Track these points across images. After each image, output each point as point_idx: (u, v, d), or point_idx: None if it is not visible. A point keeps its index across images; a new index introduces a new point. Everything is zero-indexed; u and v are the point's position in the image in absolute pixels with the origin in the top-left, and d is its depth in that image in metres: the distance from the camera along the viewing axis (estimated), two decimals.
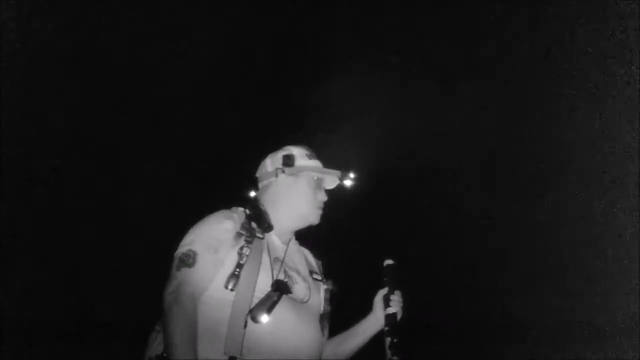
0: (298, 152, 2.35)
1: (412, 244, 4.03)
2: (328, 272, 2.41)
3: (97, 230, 3.96)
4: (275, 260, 2.16)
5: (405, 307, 2.31)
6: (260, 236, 2.15)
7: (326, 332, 2.26)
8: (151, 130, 4.33)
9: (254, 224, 2.17)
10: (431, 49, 4.28)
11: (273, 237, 2.24)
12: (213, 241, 2.06)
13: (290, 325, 2.06)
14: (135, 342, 2.29)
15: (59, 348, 3.80)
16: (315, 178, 2.31)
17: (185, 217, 2.20)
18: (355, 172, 2.40)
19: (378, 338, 2.30)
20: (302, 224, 2.31)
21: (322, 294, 2.31)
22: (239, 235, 2.10)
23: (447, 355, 3.89)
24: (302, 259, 2.34)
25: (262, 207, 2.25)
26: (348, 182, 2.43)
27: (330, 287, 2.34)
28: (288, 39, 4.50)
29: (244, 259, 2.05)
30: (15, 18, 3.50)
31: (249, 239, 2.10)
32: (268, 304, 2.00)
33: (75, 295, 3.86)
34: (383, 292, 2.34)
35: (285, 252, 2.25)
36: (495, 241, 3.91)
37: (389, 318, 2.26)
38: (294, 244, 2.35)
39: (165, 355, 1.99)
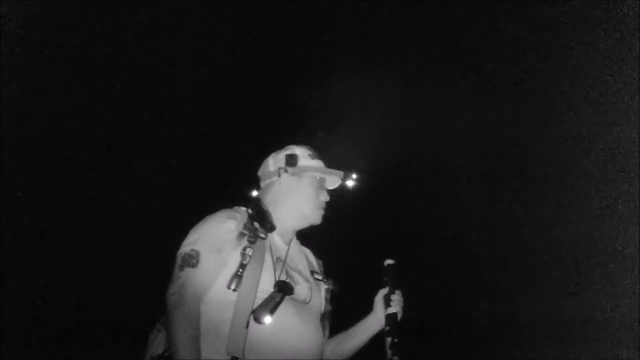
0: (301, 152, 2.35)
1: (412, 243, 4.03)
2: (329, 272, 2.42)
3: (98, 229, 3.95)
4: (278, 261, 2.17)
5: (406, 307, 2.31)
6: (263, 236, 2.15)
7: (327, 331, 2.27)
8: (152, 130, 4.33)
9: (256, 224, 2.17)
10: (431, 48, 4.28)
11: (275, 237, 2.24)
12: (216, 241, 2.06)
13: (292, 326, 2.07)
14: (135, 342, 2.29)
15: (59, 348, 3.80)
16: (318, 178, 2.32)
17: (186, 217, 2.21)
18: (357, 172, 2.40)
19: (378, 338, 2.31)
20: (304, 224, 2.31)
21: (322, 294, 2.32)
22: (241, 235, 2.10)
23: (447, 355, 3.89)
24: (303, 259, 2.35)
25: (264, 206, 2.26)
26: (350, 183, 2.43)
27: (330, 286, 2.35)
28: (288, 39, 4.50)
29: (247, 259, 2.05)
30: (15, 18, 3.50)
31: (251, 239, 2.10)
32: (271, 305, 2.00)
33: (76, 295, 3.86)
34: (383, 292, 2.34)
35: (287, 252, 2.25)
36: (496, 241, 3.91)
37: (390, 318, 2.26)
38: (295, 244, 2.36)
39: (166, 354, 2.00)
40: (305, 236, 2.40)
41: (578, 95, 3.59)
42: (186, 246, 2.07)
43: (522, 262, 3.74)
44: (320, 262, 2.45)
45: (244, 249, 2.07)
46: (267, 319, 1.98)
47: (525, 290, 3.68)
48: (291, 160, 2.31)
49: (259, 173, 2.39)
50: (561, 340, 3.43)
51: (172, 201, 4.05)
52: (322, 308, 2.28)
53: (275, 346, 2.00)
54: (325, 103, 4.23)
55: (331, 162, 2.40)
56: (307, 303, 2.18)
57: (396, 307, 2.29)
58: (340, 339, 2.35)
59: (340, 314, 2.35)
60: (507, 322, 3.71)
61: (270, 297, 2.03)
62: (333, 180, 2.37)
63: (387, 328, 2.25)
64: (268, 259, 2.13)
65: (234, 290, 2.00)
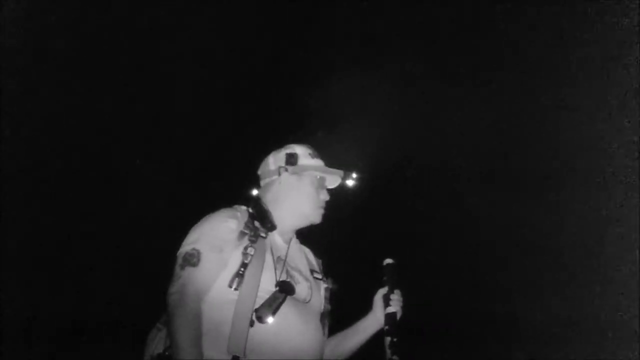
0: (301, 151, 2.35)
1: (411, 243, 4.03)
2: (328, 271, 2.41)
3: (97, 229, 3.96)
4: (278, 260, 2.17)
5: (405, 307, 2.31)
6: (264, 235, 2.15)
7: (326, 330, 2.27)
8: (152, 130, 4.33)
9: (257, 223, 2.17)
10: (432, 48, 4.28)
11: (275, 236, 2.24)
12: (217, 240, 2.06)
13: (293, 325, 2.07)
14: (134, 341, 2.29)
15: (59, 347, 3.80)
16: (318, 177, 2.32)
17: (186, 216, 2.20)
18: (356, 171, 2.40)
19: (378, 337, 2.31)
20: (304, 223, 2.31)
21: (322, 293, 2.32)
22: (242, 234, 2.10)
23: (446, 355, 3.89)
24: (303, 258, 2.35)
25: (264, 205, 2.25)
26: (350, 182, 2.43)
27: (330, 285, 2.34)
28: (288, 39, 4.50)
29: (249, 259, 2.05)
30: (15, 18, 3.50)
31: (252, 238, 2.10)
32: (275, 305, 2.01)
33: (75, 295, 3.86)
34: (383, 291, 2.34)
35: (287, 252, 2.25)
36: (496, 241, 3.90)
37: (389, 317, 2.26)
38: (295, 243, 2.36)
39: (167, 353, 2.00)
40: (305, 235, 2.40)
41: (578, 95, 3.58)
42: (187, 245, 2.07)
43: (522, 262, 3.73)
44: (320, 261, 2.45)
45: (245, 248, 2.07)
46: (270, 319, 1.98)
47: (525, 290, 3.68)
48: (291, 159, 2.31)
49: (259, 172, 2.39)
50: (561, 340, 3.42)
51: (172, 200, 4.05)
52: (322, 307, 2.28)
53: (276, 346, 2.00)
54: (325, 103, 4.23)
55: (331, 162, 2.40)
56: (307, 302, 2.18)
57: (395, 306, 2.29)
58: (340, 338, 2.35)
59: (340, 314, 2.35)
60: (507, 322, 3.71)
61: (273, 297, 2.03)
62: (333, 180, 2.37)
63: (387, 327, 2.25)
64: (269, 258, 2.13)
65: (235, 289, 2.00)
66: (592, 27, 3.43)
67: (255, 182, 2.39)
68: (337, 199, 2.42)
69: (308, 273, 2.30)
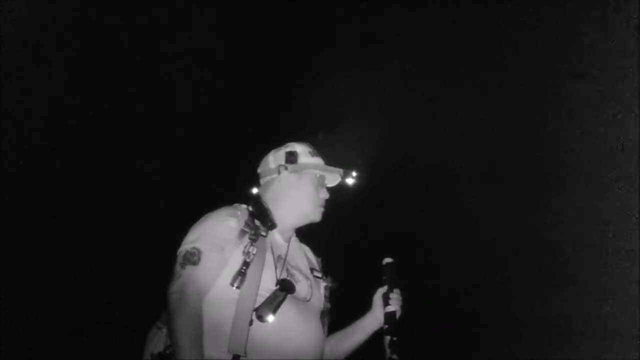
0: (301, 149, 2.35)
1: (411, 242, 4.03)
2: (328, 270, 2.42)
3: (97, 228, 3.96)
4: (278, 259, 2.17)
5: (405, 306, 2.31)
6: (264, 234, 2.15)
7: (326, 329, 2.27)
8: (152, 130, 4.34)
9: (257, 222, 2.17)
10: (432, 48, 4.28)
11: (275, 235, 2.24)
12: (218, 239, 2.06)
13: (294, 324, 2.07)
14: (134, 340, 2.29)
15: (59, 347, 3.80)
16: (318, 176, 2.32)
17: (186, 215, 2.20)
18: (357, 170, 2.40)
19: (377, 336, 2.31)
20: (304, 221, 2.31)
21: (322, 291, 2.32)
22: (242, 233, 2.10)
23: (446, 354, 3.89)
24: (302, 257, 2.35)
25: (265, 204, 2.25)
26: (350, 180, 2.43)
27: (329, 284, 2.35)
28: (288, 38, 4.51)
29: (251, 258, 2.05)
30: (15, 17, 3.50)
31: (253, 237, 2.10)
32: (275, 303, 2.01)
33: (75, 294, 3.86)
34: (382, 290, 2.34)
35: (287, 250, 2.25)
36: (495, 241, 3.90)
37: (388, 316, 2.26)
38: (295, 241, 2.36)
39: (167, 352, 2.00)
40: (305, 234, 2.40)
41: (578, 95, 3.58)
42: (187, 244, 2.07)
43: (522, 261, 3.73)
44: (319, 259, 2.45)
45: (246, 246, 2.07)
46: (271, 318, 1.98)
47: (525, 289, 3.67)
48: (291, 158, 2.31)
49: (259, 170, 2.39)
50: (561, 340, 3.42)
51: (173, 200, 4.06)
52: (322, 306, 2.29)
53: (277, 344, 2.01)
54: (325, 103, 4.24)
55: (331, 161, 2.40)
56: (307, 301, 2.19)
57: (395, 305, 2.29)
58: (339, 337, 2.36)
59: (339, 312, 2.35)
60: (507, 321, 3.71)
61: (274, 296, 2.03)
62: (333, 178, 2.37)
63: (386, 326, 2.25)
64: (269, 257, 2.13)
65: (237, 287, 1.99)
66: (592, 27, 3.44)
67: (255, 180, 2.39)
68: (337, 197, 2.42)
69: (308, 271, 2.31)
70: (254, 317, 1.98)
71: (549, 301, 3.53)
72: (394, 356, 2.17)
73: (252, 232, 2.11)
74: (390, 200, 4.34)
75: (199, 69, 4.35)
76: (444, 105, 4.12)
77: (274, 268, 2.11)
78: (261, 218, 2.19)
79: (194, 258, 2.02)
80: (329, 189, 2.36)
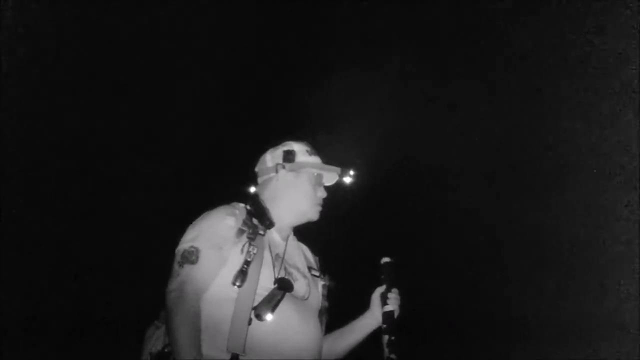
0: (299, 148, 2.35)
1: (409, 241, 4.02)
2: (326, 269, 2.41)
3: (95, 227, 3.96)
4: (276, 257, 2.16)
5: (403, 305, 2.30)
6: (262, 233, 2.15)
7: (323, 327, 2.27)
8: (153, 129, 4.34)
9: (255, 221, 2.17)
10: (432, 48, 4.28)
11: (273, 234, 2.23)
12: (216, 238, 2.06)
13: (292, 322, 2.07)
14: (133, 339, 2.29)
15: (58, 347, 3.80)
16: (316, 174, 2.31)
17: (185, 215, 2.20)
18: (354, 169, 2.40)
19: (376, 335, 2.30)
20: (301, 220, 2.31)
21: (320, 290, 2.32)
22: (240, 231, 2.10)
23: (444, 353, 3.88)
24: (300, 255, 2.35)
25: (262, 203, 2.25)
26: (348, 179, 2.42)
27: (327, 282, 2.34)
28: (289, 38, 4.51)
29: (252, 256, 2.04)
30: (15, 17, 3.51)
31: (251, 235, 2.10)
32: (273, 302, 2.00)
33: (73, 294, 3.87)
34: (380, 289, 2.34)
35: (285, 249, 2.25)
36: (494, 240, 3.90)
37: (387, 316, 2.25)
38: (293, 240, 2.36)
39: (165, 351, 1.99)
40: (302, 233, 2.40)
41: (578, 95, 3.58)
42: (185, 243, 2.07)
43: (522, 261, 3.73)
44: (317, 258, 2.45)
45: (244, 245, 2.07)
46: (269, 317, 1.98)
47: (524, 289, 3.67)
48: (289, 156, 2.31)
49: (256, 169, 2.39)
50: (561, 340, 3.42)
51: (173, 200, 4.06)
52: (320, 304, 2.28)
53: (275, 343, 2.00)
54: (325, 103, 4.24)
55: (330, 160, 2.39)
56: (305, 299, 2.18)
57: (393, 304, 2.28)
58: (337, 336, 2.35)
59: (337, 312, 2.34)
60: (504, 321, 3.71)
61: (272, 295, 2.02)
62: (331, 177, 2.37)
63: (384, 326, 2.24)
64: (267, 255, 2.13)
65: (239, 286, 1.99)
66: (592, 27, 3.44)
67: (253, 179, 2.39)
68: (335, 196, 2.42)
69: (306, 270, 2.30)
70: (252, 316, 1.97)
71: (548, 301, 3.53)
72: (392, 355, 2.16)
73: (250, 230, 2.11)
74: (389, 200, 4.34)
75: (199, 69, 4.35)
76: (444, 105, 4.12)
77: (272, 267, 2.11)
78: (259, 217, 2.18)
79: (192, 257, 2.02)
80: (327, 188, 2.36)
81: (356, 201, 3.35)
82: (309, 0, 4.47)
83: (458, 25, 4.14)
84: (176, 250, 2.08)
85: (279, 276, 2.10)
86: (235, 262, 2.04)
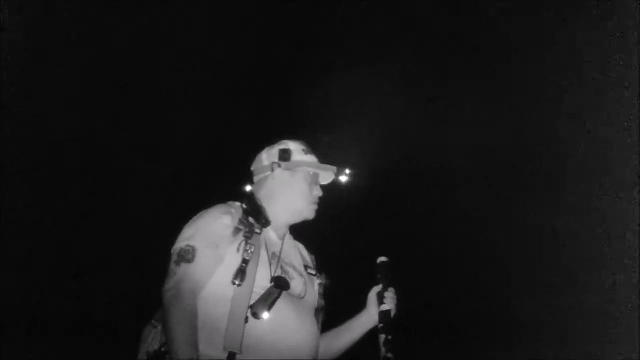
0: (295, 147, 2.35)
1: (407, 241, 4.02)
2: (322, 267, 2.41)
3: (93, 226, 3.97)
4: (273, 256, 2.17)
5: (400, 304, 2.30)
6: (258, 231, 2.15)
7: (320, 326, 2.27)
8: (153, 129, 4.35)
9: (251, 219, 2.17)
10: (432, 48, 4.28)
11: (270, 232, 2.24)
12: (213, 237, 2.06)
13: (289, 321, 2.07)
14: (130, 338, 2.29)
15: (56, 346, 3.81)
16: (312, 173, 2.32)
17: (183, 214, 2.20)
18: (351, 168, 2.40)
19: (372, 335, 2.30)
20: (297, 219, 2.31)
21: (316, 289, 2.32)
22: (237, 230, 2.10)
23: (441, 353, 3.88)
24: (297, 254, 2.35)
25: (259, 202, 2.26)
26: (344, 178, 2.42)
27: (323, 281, 2.34)
28: (289, 38, 4.51)
29: (250, 255, 2.04)
30: (16, 17, 3.51)
31: (247, 234, 2.10)
32: (270, 300, 2.00)
33: (71, 293, 3.87)
34: (377, 289, 2.34)
35: (281, 247, 2.25)
36: (493, 240, 3.90)
37: (383, 315, 2.25)
38: (289, 239, 2.36)
39: (162, 350, 1.99)
40: (299, 232, 2.40)
41: (578, 95, 3.58)
42: (182, 242, 2.07)
43: (521, 262, 3.73)
44: (313, 256, 2.45)
45: (241, 244, 2.07)
46: (266, 315, 1.98)
47: (521, 289, 3.67)
48: (285, 155, 2.31)
49: (253, 168, 2.40)
50: (561, 340, 3.42)
51: (172, 200, 4.06)
52: (317, 303, 2.28)
53: (273, 342, 2.00)
54: (325, 103, 4.24)
55: (329, 159, 2.39)
56: (302, 298, 2.19)
57: (390, 304, 2.28)
58: (334, 335, 2.35)
59: (334, 311, 2.35)
60: (504, 321, 3.70)
61: (269, 293, 2.02)
62: (326, 176, 2.37)
63: (381, 325, 2.24)
64: (263, 254, 2.13)
65: (239, 285, 1.99)
66: (592, 27, 3.43)
67: (249, 178, 2.40)
68: (332, 195, 2.42)
69: (302, 269, 2.31)
70: (249, 314, 1.97)
71: (547, 301, 3.52)
72: (389, 355, 2.15)
73: (247, 229, 2.11)
74: (386, 199, 4.34)
75: (199, 69, 4.36)
76: (444, 105, 4.12)
77: (268, 265, 2.11)
78: (255, 215, 2.19)
79: (188, 256, 2.02)
80: (323, 187, 2.36)
81: (353, 200, 3.35)
82: (309, 0, 4.47)
83: (458, 26, 4.14)
84: (173, 249, 2.08)
85: (276, 274, 2.10)
86: (231, 260, 2.04)
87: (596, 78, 3.45)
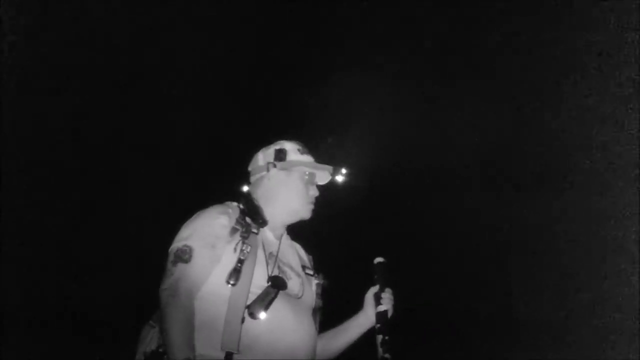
0: (290, 147, 2.36)
1: (404, 241, 4.02)
2: (319, 268, 2.42)
3: (92, 226, 3.97)
4: (270, 256, 2.17)
5: (396, 305, 2.30)
6: (255, 231, 2.15)
7: (317, 326, 2.27)
8: (153, 129, 4.36)
9: (248, 219, 2.17)
10: (431, 48, 4.28)
11: (267, 232, 2.24)
12: (209, 237, 2.06)
13: (286, 321, 2.07)
14: (128, 338, 2.29)
15: (58, 346, 3.82)
16: (307, 173, 2.32)
17: (183, 214, 2.21)
18: (347, 168, 2.40)
19: (369, 335, 2.30)
20: (293, 218, 2.32)
21: (314, 289, 2.32)
22: (234, 230, 2.10)
23: (438, 353, 3.88)
24: (294, 254, 2.36)
25: (255, 201, 2.26)
26: (340, 178, 2.43)
27: (321, 281, 2.35)
28: (289, 38, 4.52)
29: (245, 255, 2.05)
30: (16, 17, 3.52)
31: (244, 234, 2.10)
32: (267, 300, 2.01)
33: (70, 293, 3.88)
34: (374, 289, 2.34)
35: (278, 247, 2.26)
36: (491, 240, 3.89)
37: (380, 315, 2.26)
38: (286, 239, 2.36)
39: (160, 350, 2.00)
40: (296, 231, 2.40)
41: (578, 94, 3.57)
42: (179, 242, 2.07)
43: (521, 261, 3.72)
44: (311, 257, 2.46)
45: (238, 244, 2.07)
46: (262, 315, 1.98)
47: (524, 290, 3.66)
48: (280, 155, 2.32)
49: (249, 168, 2.41)
50: (560, 341, 3.41)
51: (172, 200, 4.06)
52: (314, 303, 2.29)
53: (270, 341, 2.00)
54: (326, 103, 4.24)
55: (328, 160, 2.40)
56: (299, 298, 2.19)
57: (387, 304, 2.28)
58: (331, 335, 2.36)
59: (331, 311, 2.35)
60: (503, 321, 3.70)
61: (266, 293, 2.03)
62: (323, 176, 2.37)
63: (378, 325, 2.24)
64: (260, 254, 2.13)
65: (233, 285, 1.99)
66: (592, 26, 3.42)
67: (246, 178, 2.40)
68: (330, 195, 2.42)
69: (299, 269, 2.31)
70: (246, 314, 1.98)
71: (548, 301, 3.51)
72: (386, 355, 2.16)
73: (244, 229, 2.12)
74: (383, 199, 4.34)
75: (199, 69, 4.36)
76: (443, 104, 4.12)
77: (265, 265, 2.11)
78: (252, 215, 2.19)
79: (185, 256, 2.02)
80: (321, 187, 2.37)
81: (350, 200, 3.34)
82: (309, 0, 4.47)
83: (459, 25, 4.13)
84: (170, 249, 2.08)
85: (273, 274, 2.10)
86: (228, 260, 2.05)
87: (596, 78, 3.44)
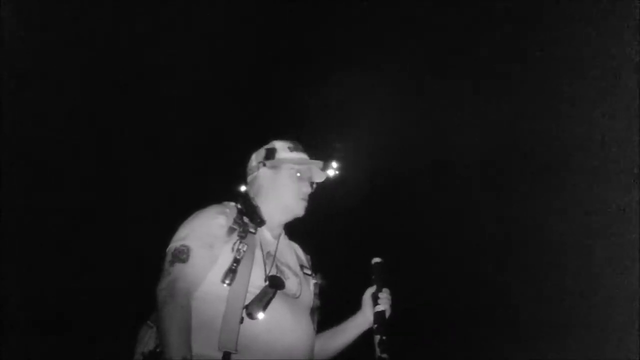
0: (280, 145, 2.37)
1: (402, 241, 4.02)
2: (317, 267, 2.42)
3: (90, 226, 3.98)
4: (268, 255, 2.17)
5: (394, 305, 2.30)
6: (253, 231, 2.16)
7: (315, 326, 2.27)
8: (153, 130, 4.36)
9: (245, 219, 2.18)
10: (431, 48, 4.28)
11: (264, 232, 2.24)
12: (207, 237, 2.06)
13: (284, 320, 2.07)
14: (127, 338, 2.29)
15: (58, 345, 3.82)
16: (296, 169, 2.32)
17: (183, 214, 2.21)
18: (337, 162, 2.40)
19: (367, 335, 2.30)
20: (287, 216, 2.32)
21: (311, 288, 2.32)
22: (231, 230, 2.11)
23: (436, 353, 3.87)
24: (292, 254, 2.36)
25: (253, 201, 2.26)
26: (331, 173, 2.43)
27: (319, 281, 2.35)
28: (289, 38, 4.52)
29: (242, 255, 2.05)
30: (16, 17, 3.52)
31: (242, 234, 2.11)
32: (265, 300, 2.01)
33: (69, 293, 3.88)
34: (372, 289, 2.34)
35: (276, 247, 2.25)
36: (489, 239, 3.89)
37: (378, 316, 2.26)
38: (284, 239, 2.37)
39: (158, 350, 1.99)
40: (294, 231, 2.40)
41: (578, 93, 3.56)
42: (176, 241, 2.07)
43: (521, 261, 3.71)
44: (309, 256, 2.46)
45: (235, 244, 2.07)
46: (260, 315, 1.98)
47: (524, 290, 3.65)
48: (269, 154, 2.34)
49: (247, 168, 2.41)
50: (560, 340, 3.40)
51: (172, 200, 4.07)
52: (312, 302, 2.29)
53: (268, 341, 2.00)
54: (326, 103, 4.24)
55: (326, 159, 2.39)
56: (297, 297, 2.19)
57: (384, 304, 2.28)
58: (329, 335, 2.35)
59: (329, 311, 2.34)
60: (503, 321, 3.69)
61: (264, 293, 2.03)
62: (317, 173, 2.37)
63: (376, 326, 2.24)
64: (258, 253, 2.13)
65: (229, 284, 1.99)
66: (592, 25, 3.42)
67: (244, 179, 2.41)
68: (328, 195, 2.42)
69: (297, 268, 2.31)
70: (244, 314, 1.98)
71: (548, 301, 3.51)
72: (384, 355, 2.15)
73: (241, 229, 2.12)
74: (382, 199, 4.33)
75: (199, 69, 4.37)
76: (443, 104, 4.11)
77: (263, 265, 2.12)
78: (249, 215, 2.20)
79: (182, 255, 2.02)
80: (320, 186, 2.37)
81: (349, 200, 3.34)
82: (309, 0, 4.47)
83: (458, 25, 4.13)
84: (167, 249, 2.08)
85: (270, 274, 2.10)
86: (226, 260, 2.05)
87: (597, 78, 3.44)
